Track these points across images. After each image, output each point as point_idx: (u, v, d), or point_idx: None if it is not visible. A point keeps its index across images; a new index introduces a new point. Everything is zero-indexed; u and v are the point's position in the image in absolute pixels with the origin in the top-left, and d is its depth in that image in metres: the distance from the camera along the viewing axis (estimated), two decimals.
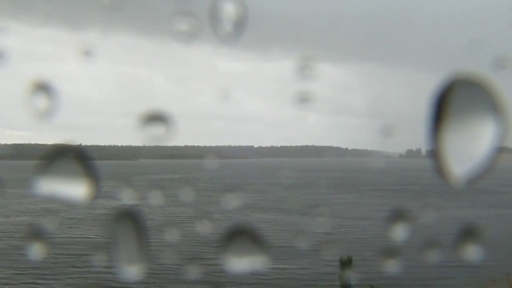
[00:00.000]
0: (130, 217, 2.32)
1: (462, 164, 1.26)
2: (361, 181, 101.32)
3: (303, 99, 4.53)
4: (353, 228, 43.55)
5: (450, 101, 1.23)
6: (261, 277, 24.29)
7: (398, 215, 4.14)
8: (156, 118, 2.41)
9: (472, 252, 3.61)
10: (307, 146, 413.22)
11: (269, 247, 2.32)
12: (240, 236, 2.29)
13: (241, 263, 2.30)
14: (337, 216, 49.20)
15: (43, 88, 2.40)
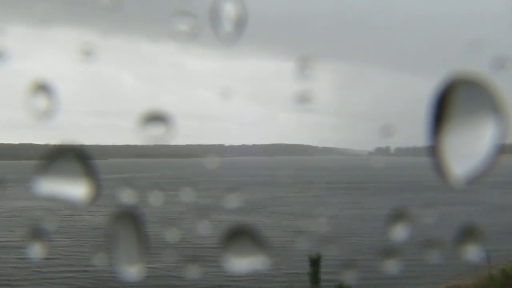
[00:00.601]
0: (129, 217, 2.32)
1: (462, 163, 1.23)
2: (322, 179, 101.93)
3: (302, 101, 4.62)
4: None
5: (450, 101, 1.20)
6: (229, 278, 24.32)
7: None
8: (155, 118, 2.43)
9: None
10: (278, 144, 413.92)
11: (269, 247, 2.31)
12: (239, 236, 2.30)
13: (240, 263, 2.31)
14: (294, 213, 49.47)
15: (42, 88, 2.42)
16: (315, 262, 9.73)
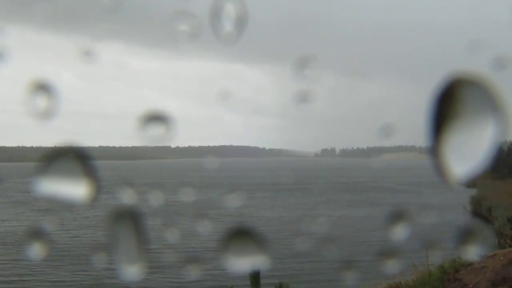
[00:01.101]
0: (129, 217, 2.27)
1: (462, 163, 1.24)
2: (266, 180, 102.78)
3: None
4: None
5: (450, 101, 1.22)
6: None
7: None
8: (155, 118, 2.38)
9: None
10: (224, 146, 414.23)
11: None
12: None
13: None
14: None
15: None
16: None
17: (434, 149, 1.31)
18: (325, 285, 26.31)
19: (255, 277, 9.77)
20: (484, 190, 51.96)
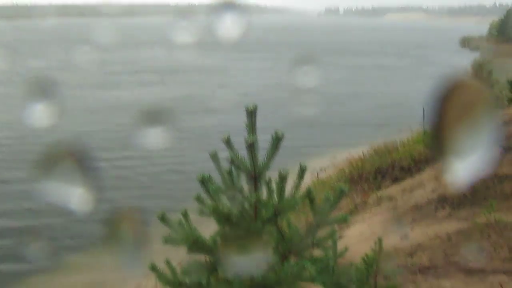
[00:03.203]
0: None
1: (463, 163, 1.26)
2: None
3: None
4: None
5: (450, 102, 1.20)
6: None
7: None
8: None
9: None
10: (221, 2, 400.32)
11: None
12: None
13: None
14: None
15: None
16: None
17: (435, 150, 1.31)
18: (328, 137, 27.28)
19: None
20: (487, 53, 51.57)
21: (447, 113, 1.14)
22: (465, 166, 1.19)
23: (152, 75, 49.66)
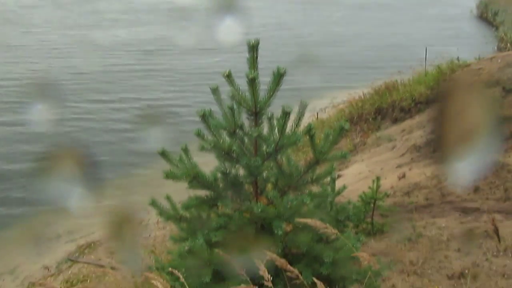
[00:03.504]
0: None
1: (465, 164, 1.22)
2: None
3: None
4: None
5: (451, 102, 1.16)
6: None
7: None
8: None
9: None
10: None
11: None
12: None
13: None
14: None
15: None
16: None
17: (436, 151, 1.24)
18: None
19: None
20: None
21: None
22: None
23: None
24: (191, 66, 30.07)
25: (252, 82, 3.82)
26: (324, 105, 21.73)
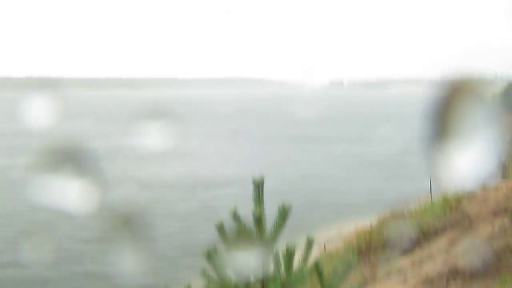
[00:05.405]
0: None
1: (463, 168, 1.22)
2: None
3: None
4: None
5: (451, 103, 1.18)
6: None
7: None
8: None
9: None
10: (233, 77, 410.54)
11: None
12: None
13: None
14: None
15: None
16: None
17: (435, 153, 1.26)
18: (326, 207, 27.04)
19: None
20: None
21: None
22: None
23: None
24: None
25: (259, 221, 3.81)
26: (331, 237, 21.47)
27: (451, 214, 17.43)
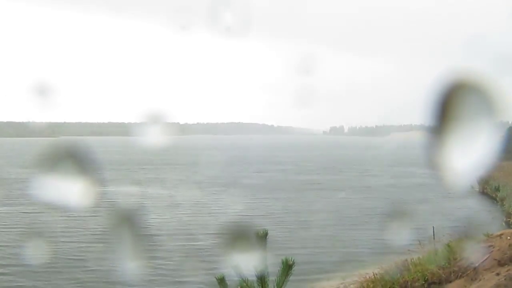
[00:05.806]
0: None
1: (463, 165, 1.23)
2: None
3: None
4: None
5: (451, 103, 1.19)
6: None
7: None
8: None
9: None
10: (233, 123, 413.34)
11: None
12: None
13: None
14: None
15: None
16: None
17: (435, 153, 1.27)
18: (331, 262, 26.63)
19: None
20: (492, 170, 51.89)
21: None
22: None
23: None
24: None
25: (262, 280, 3.76)
26: (335, 286, 21.10)
27: (455, 263, 17.20)
